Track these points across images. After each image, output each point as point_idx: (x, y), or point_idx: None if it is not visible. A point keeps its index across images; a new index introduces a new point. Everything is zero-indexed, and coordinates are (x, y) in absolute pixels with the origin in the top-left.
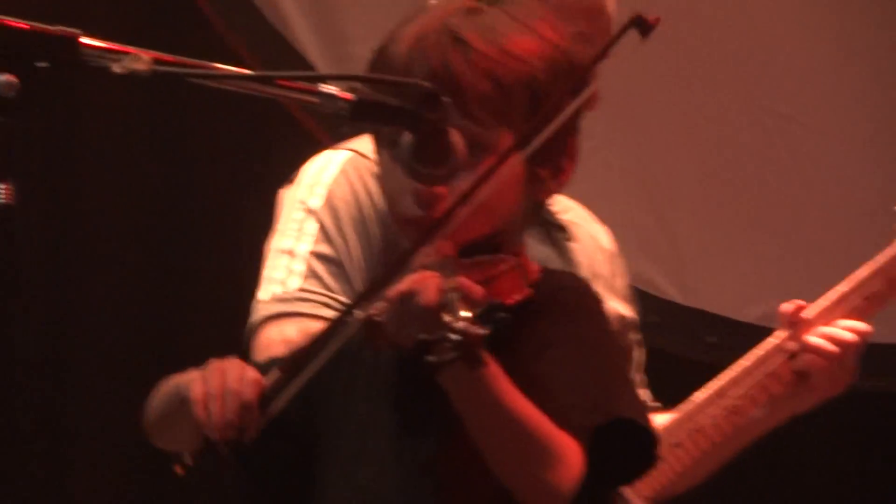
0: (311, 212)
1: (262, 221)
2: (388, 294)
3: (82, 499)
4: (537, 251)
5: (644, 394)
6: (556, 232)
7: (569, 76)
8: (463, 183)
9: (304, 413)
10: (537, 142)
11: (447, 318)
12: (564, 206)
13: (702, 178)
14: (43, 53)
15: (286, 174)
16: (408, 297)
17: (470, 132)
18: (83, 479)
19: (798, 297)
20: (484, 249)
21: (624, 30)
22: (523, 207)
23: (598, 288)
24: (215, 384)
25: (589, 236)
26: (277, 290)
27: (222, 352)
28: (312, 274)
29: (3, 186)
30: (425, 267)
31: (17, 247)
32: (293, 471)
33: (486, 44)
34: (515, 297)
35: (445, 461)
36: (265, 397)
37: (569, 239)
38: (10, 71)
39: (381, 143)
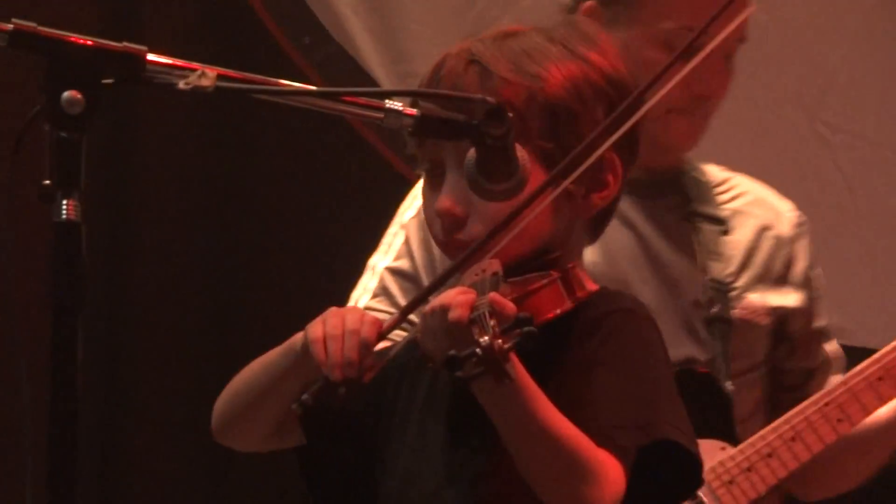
0: (402, 226)
1: (316, 231)
2: (423, 310)
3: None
4: (663, 254)
5: None
6: (708, 225)
7: (608, 99)
8: (488, 205)
9: (369, 423)
10: (567, 182)
11: (476, 333)
12: (741, 191)
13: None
14: (108, 70)
15: (341, 187)
16: (439, 313)
17: None
18: (140, 471)
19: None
20: (533, 267)
21: (669, 65)
22: (568, 225)
23: (746, 279)
24: (335, 324)
25: (756, 227)
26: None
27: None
28: (383, 291)
29: (70, 203)
30: (466, 283)
31: (83, 262)
32: (353, 481)
33: (504, 67)
34: (555, 311)
35: (491, 477)
36: (383, 338)
37: (725, 232)
38: (75, 88)
39: (419, 166)
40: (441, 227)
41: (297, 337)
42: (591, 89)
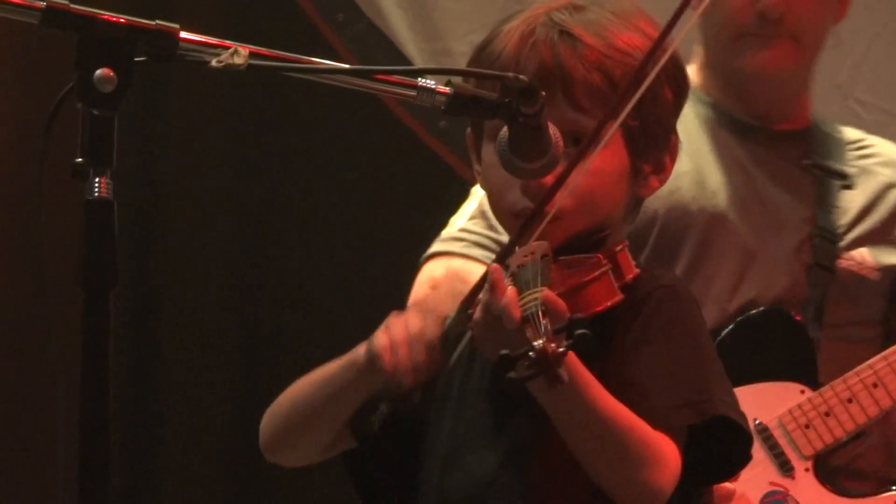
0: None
1: (349, 210)
2: (474, 318)
3: (168, 466)
4: (773, 196)
5: None
6: (830, 178)
7: (666, 69)
8: (571, 176)
9: (412, 412)
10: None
11: (529, 333)
12: (875, 151)
13: None
14: (141, 48)
15: (377, 165)
16: (492, 314)
17: (579, 124)
18: (169, 447)
19: None
20: (586, 244)
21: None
22: (626, 203)
23: (860, 232)
24: (399, 331)
25: (881, 185)
26: (445, 231)
27: (311, 339)
28: (481, 214)
29: (102, 180)
30: (519, 271)
31: (115, 240)
32: (399, 473)
33: (593, 38)
34: (606, 304)
35: (542, 456)
36: (448, 335)
37: (847, 186)
38: (107, 65)
39: (483, 137)
40: (527, 195)
41: (359, 350)
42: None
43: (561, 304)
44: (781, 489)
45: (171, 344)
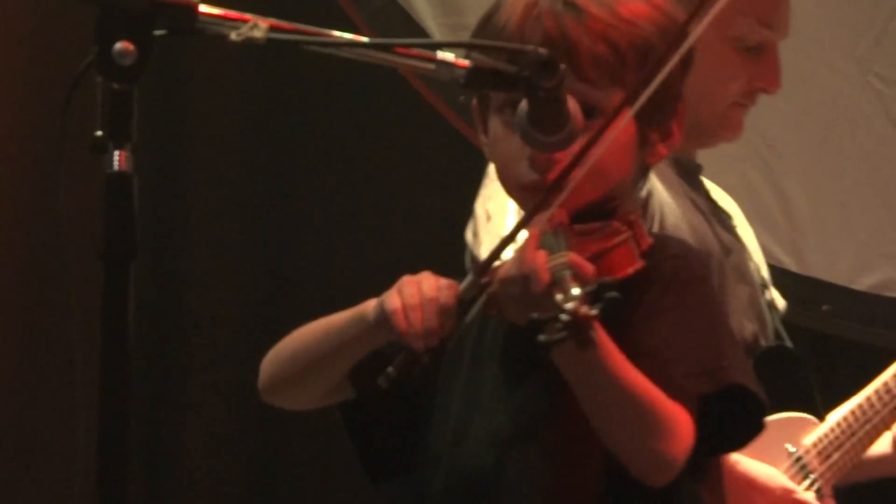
0: None
1: (371, 187)
2: (500, 273)
3: (188, 443)
4: (724, 238)
5: None
6: (725, 217)
7: (673, 38)
8: (579, 147)
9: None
10: (643, 98)
11: (558, 296)
12: (707, 187)
13: (816, 145)
14: (160, 21)
15: (398, 141)
16: (519, 278)
17: (586, 95)
18: (189, 419)
19: None
20: (597, 214)
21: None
22: (635, 172)
23: (764, 269)
24: (412, 293)
25: (741, 216)
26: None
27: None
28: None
29: (122, 154)
30: (540, 237)
31: (135, 213)
32: (400, 434)
33: (597, 7)
34: (628, 271)
35: (558, 420)
36: (462, 301)
37: (735, 225)
38: (127, 39)
39: (489, 109)
40: (534, 168)
41: (368, 305)
42: (667, 28)
43: (589, 267)
44: None
45: (190, 317)
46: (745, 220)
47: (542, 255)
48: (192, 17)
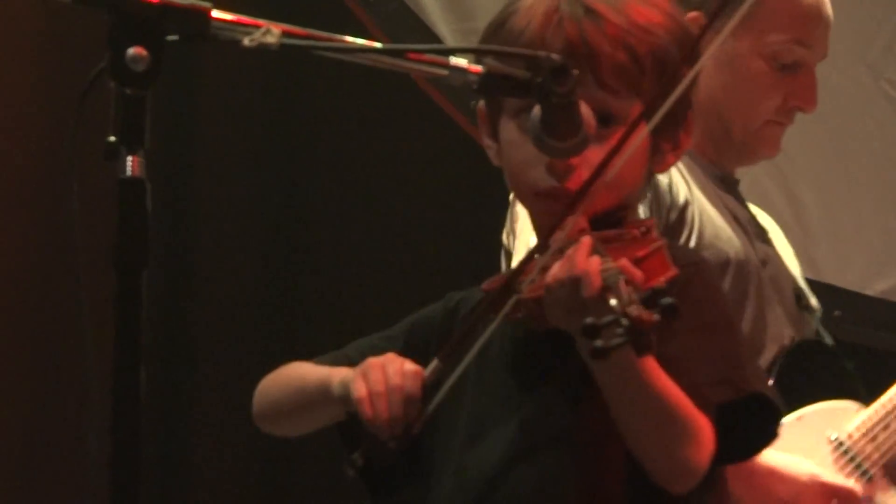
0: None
1: (382, 191)
2: (548, 279)
3: (200, 445)
4: (761, 250)
5: None
6: (764, 232)
7: (687, 47)
8: (596, 154)
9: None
10: (663, 110)
11: (613, 301)
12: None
13: (828, 151)
14: (173, 27)
15: (408, 146)
16: (570, 282)
17: (605, 103)
18: (200, 424)
19: None
20: (609, 222)
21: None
22: (646, 180)
23: (801, 281)
24: (377, 381)
25: (778, 232)
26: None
27: (344, 325)
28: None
29: (135, 159)
30: (582, 245)
31: (147, 219)
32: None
33: (617, 15)
34: (663, 278)
35: (582, 429)
36: (427, 388)
37: (771, 238)
38: (140, 44)
39: (502, 114)
40: (552, 174)
41: (334, 378)
42: (681, 37)
43: (640, 273)
44: (868, 496)
45: (201, 324)
46: (782, 233)
47: (595, 260)
48: (205, 23)
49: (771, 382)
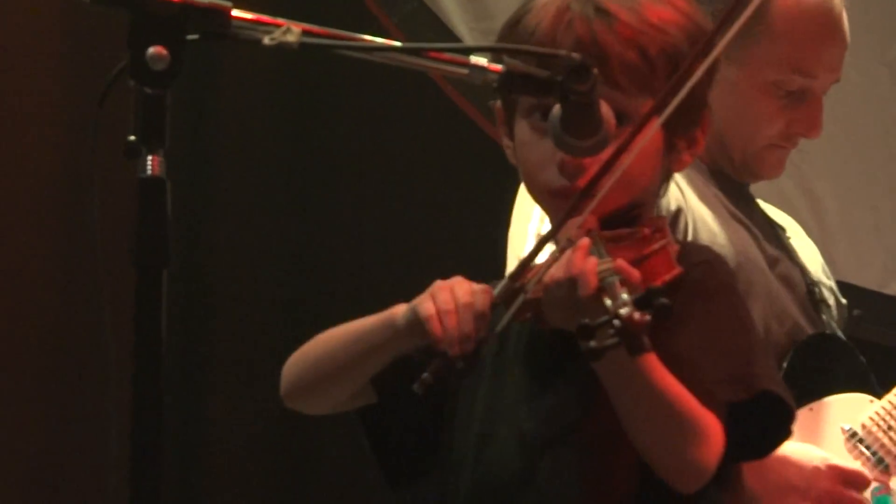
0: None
1: (399, 191)
2: (546, 279)
3: (218, 441)
4: (770, 250)
5: None
6: (778, 230)
7: (700, 45)
8: (608, 152)
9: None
10: (672, 107)
11: (608, 302)
12: (761, 206)
13: (846, 150)
14: (193, 26)
15: (426, 144)
16: (566, 283)
17: (616, 102)
18: (218, 422)
19: None
20: (622, 221)
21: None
22: (659, 179)
23: (825, 277)
24: (446, 299)
25: (798, 231)
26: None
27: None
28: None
29: (155, 158)
30: (590, 246)
31: (168, 218)
32: (420, 441)
33: (628, 14)
34: (666, 277)
35: (590, 426)
36: (496, 307)
37: (789, 237)
38: (160, 43)
39: (516, 113)
40: (563, 173)
41: (396, 311)
42: (694, 35)
43: (636, 273)
44: (883, 484)
45: (222, 324)
46: (801, 230)
47: (591, 260)
48: (225, 22)
49: (781, 373)
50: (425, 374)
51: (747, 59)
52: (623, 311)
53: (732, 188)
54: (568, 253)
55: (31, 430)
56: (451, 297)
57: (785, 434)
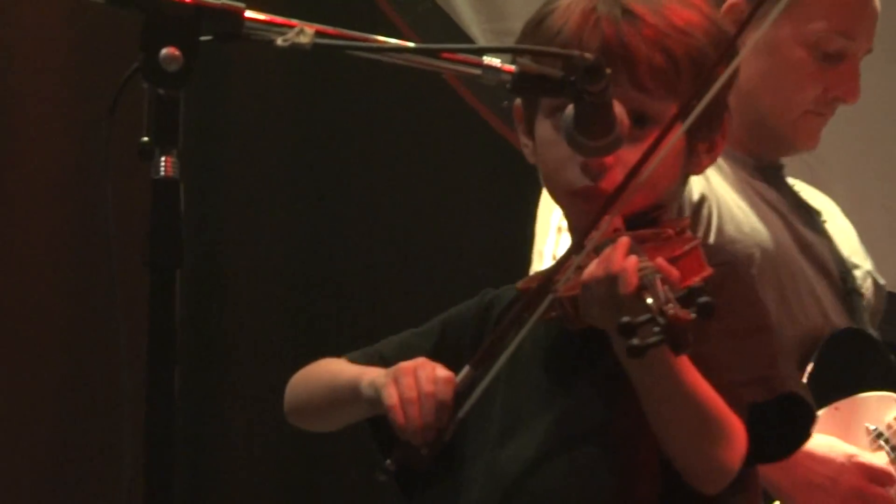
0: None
1: (412, 190)
2: (585, 277)
3: (237, 456)
4: (803, 234)
5: None
6: (814, 215)
7: (723, 48)
8: (631, 155)
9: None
10: (698, 110)
11: (649, 300)
12: (799, 188)
13: (861, 150)
14: (206, 27)
15: (439, 143)
16: (605, 280)
17: (641, 104)
18: (231, 421)
19: None
20: (644, 222)
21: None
22: (679, 182)
23: (860, 258)
24: (409, 387)
25: (834, 212)
26: (539, 264)
27: (374, 323)
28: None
29: (168, 159)
30: (619, 244)
31: (181, 219)
32: None
33: (654, 17)
34: (697, 277)
35: (616, 426)
36: (459, 394)
37: (825, 221)
38: (173, 45)
39: (537, 113)
40: (586, 173)
41: (364, 379)
42: (717, 38)
43: (676, 272)
44: None
45: (232, 323)
46: (840, 214)
47: (632, 258)
48: (238, 23)
49: (810, 368)
50: (388, 461)
51: (786, 18)
52: (668, 308)
53: (765, 175)
54: (606, 251)
55: (45, 431)
56: (413, 383)
57: (805, 436)
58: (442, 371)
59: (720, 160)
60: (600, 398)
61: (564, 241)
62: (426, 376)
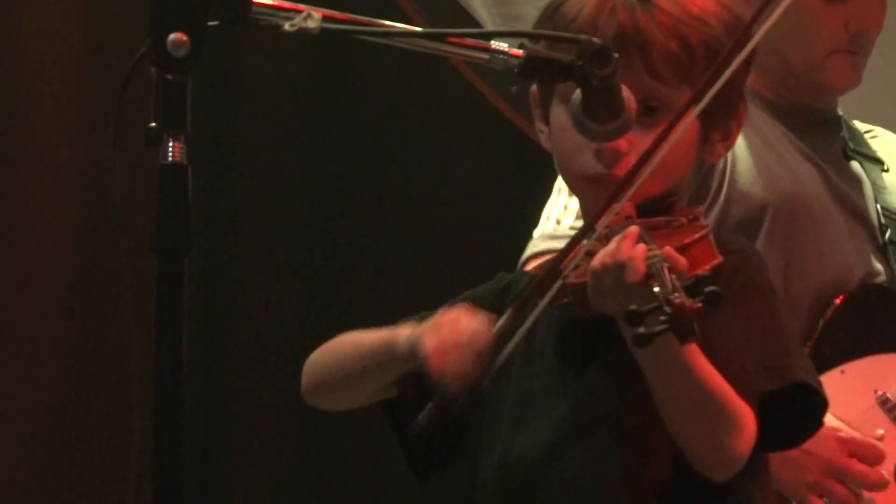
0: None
1: (422, 178)
2: (593, 264)
3: (240, 432)
4: (839, 186)
5: None
6: (868, 163)
7: (738, 35)
8: (644, 142)
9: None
10: (710, 95)
11: (657, 288)
12: (887, 140)
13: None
14: (214, 12)
15: (451, 133)
16: (613, 268)
17: (655, 92)
18: (240, 409)
19: None
20: (657, 209)
21: None
22: (694, 169)
23: None
24: (448, 336)
25: None
26: (549, 227)
27: (384, 307)
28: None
29: (176, 145)
30: (615, 230)
31: (189, 204)
32: (446, 434)
33: (670, 4)
34: (708, 266)
35: (627, 415)
36: (497, 343)
37: (885, 170)
38: (181, 30)
39: (552, 98)
40: (602, 160)
41: (398, 335)
42: (732, 25)
43: (684, 261)
44: None
45: (242, 310)
46: None
47: (640, 247)
48: (245, 8)
49: (821, 325)
50: (422, 414)
51: None
52: (675, 297)
53: (805, 125)
54: (616, 239)
55: (54, 420)
56: (451, 332)
57: (817, 425)
58: (480, 319)
59: (756, 113)
60: (613, 383)
61: (561, 202)
62: (465, 323)
